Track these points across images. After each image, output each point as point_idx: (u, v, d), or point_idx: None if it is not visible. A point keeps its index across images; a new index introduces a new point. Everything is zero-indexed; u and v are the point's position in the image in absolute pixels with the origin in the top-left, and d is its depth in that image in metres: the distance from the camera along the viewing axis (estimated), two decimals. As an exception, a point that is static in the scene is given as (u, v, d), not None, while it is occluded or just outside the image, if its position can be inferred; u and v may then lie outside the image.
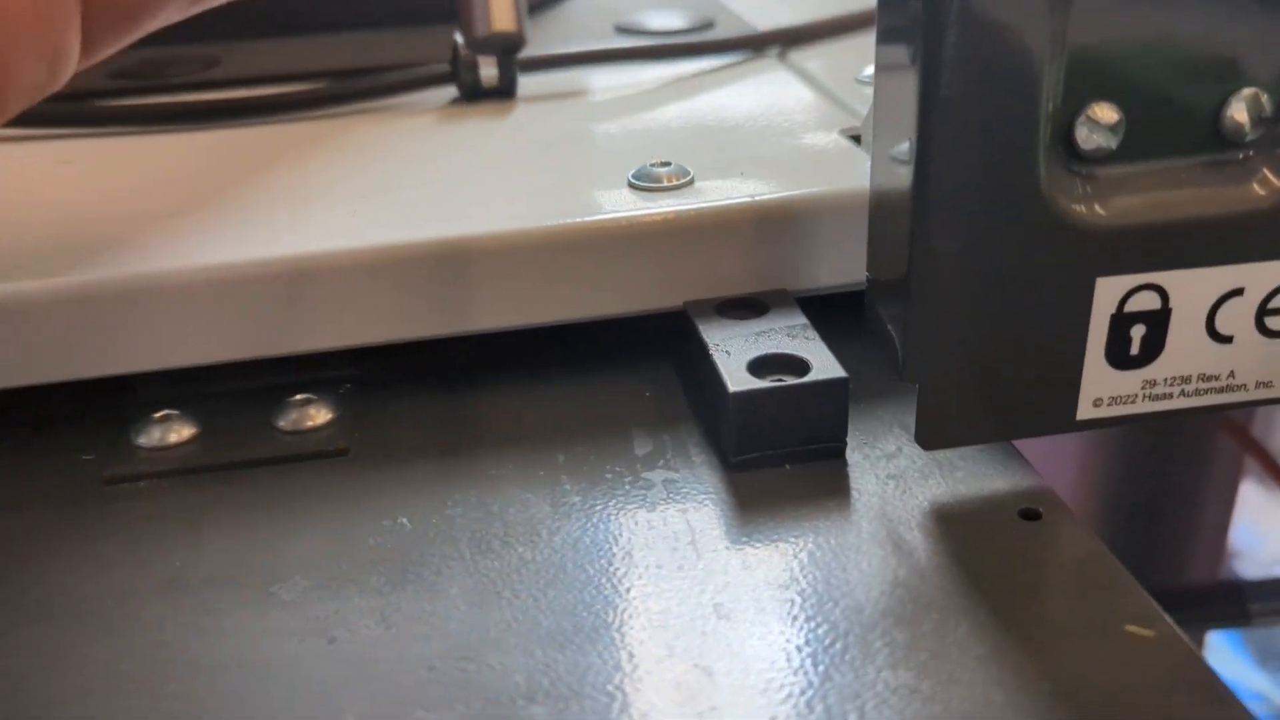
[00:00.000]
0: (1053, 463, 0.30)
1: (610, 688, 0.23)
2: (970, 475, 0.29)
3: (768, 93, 0.45)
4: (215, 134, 0.44)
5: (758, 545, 0.27)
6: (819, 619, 0.25)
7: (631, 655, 0.24)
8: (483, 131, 0.43)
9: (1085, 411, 0.29)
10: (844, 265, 0.34)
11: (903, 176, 0.27)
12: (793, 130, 0.40)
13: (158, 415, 0.33)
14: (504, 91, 0.46)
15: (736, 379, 0.29)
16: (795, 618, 0.25)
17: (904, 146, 0.26)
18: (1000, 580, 0.26)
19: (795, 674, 0.23)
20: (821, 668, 0.24)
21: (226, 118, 0.46)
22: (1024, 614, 0.25)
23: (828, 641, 0.24)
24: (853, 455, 0.30)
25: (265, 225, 0.35)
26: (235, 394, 0.35)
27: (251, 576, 0.27)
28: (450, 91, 0.47)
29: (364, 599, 0.26)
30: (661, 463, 0.31)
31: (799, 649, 0.24)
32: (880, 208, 0.29)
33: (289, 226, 0.34)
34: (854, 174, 0.35)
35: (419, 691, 0.24)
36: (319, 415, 0.34)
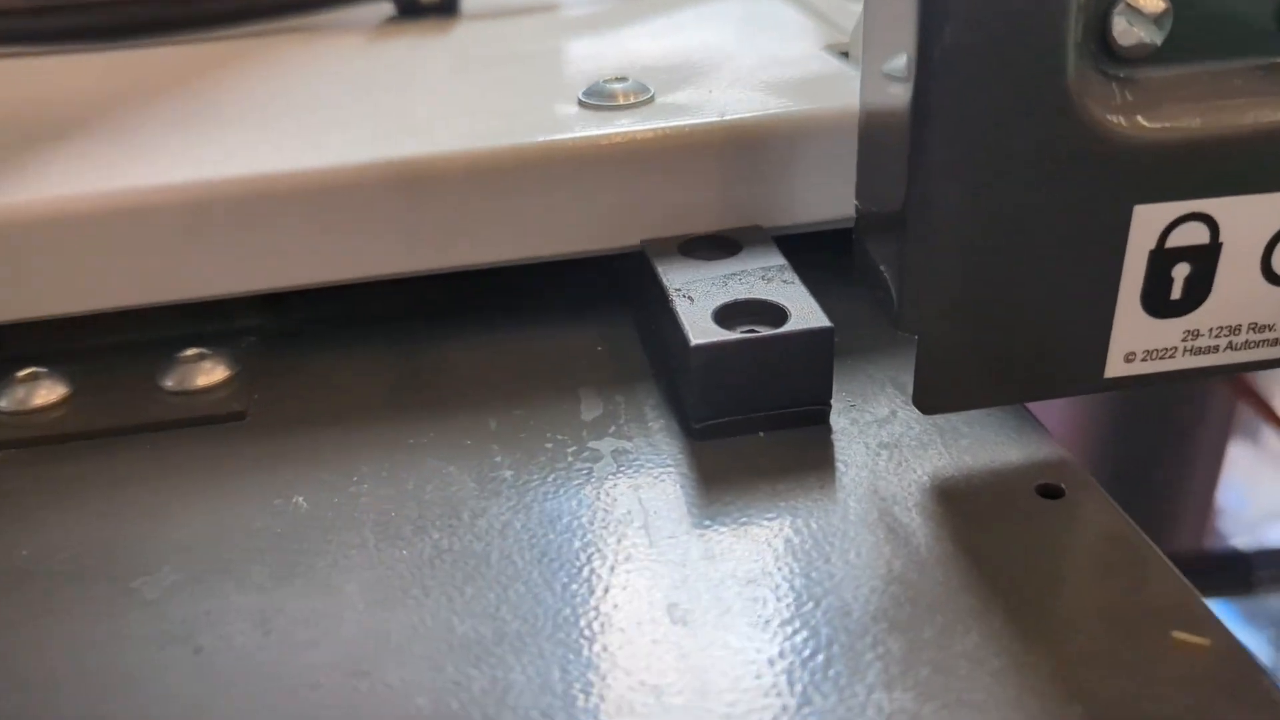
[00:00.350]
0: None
1: (535, 713, 0.19)
2: (978, 444, 0.25)
3: (744, 8, 0.40)
4: (123, 54, 0.39)
5: (723, 530, 0.23)
6: (796, 624, 0.20)
7: (564, 670, 0.20)
8: (418, 50, 0.37)
9: (1115, 368, 0.24)
10: (829, 198, 0.29)
11: (898, 94, 0.22)
12: (771, 45, 0.35)
13: (22, 374, 0.28)
14: (445, 7, 0.41)
15: (699, 329, 0.25)
16: (767, 622, 0.20)
17: (900, 61, 0.21)
18: (1017, 574, 0.21)
19: (765, 695, 0.19)
20: (799, 687, 0.19)
21: (133, 35, 0.40)
22: (1048, 618, 0.20)
23: (806, 653, 0.20)
24: (838, 420, 0.26)
25: (158, 150, 0.30)
26: (116, 348, 0.30)
27: (111, 568, 0.23)
28: (386, 8, 0.41)
29: (242, 596, 0.22)
30: (612, 429, 0.26)
31: (771, 663, 0.19)
32: (873, 128, 0.24)
33: (186, 152, 0.29)
34: (841, 92, 0.30)
35: (297, 716, 0.19)
36: (213, 373, 0.29)
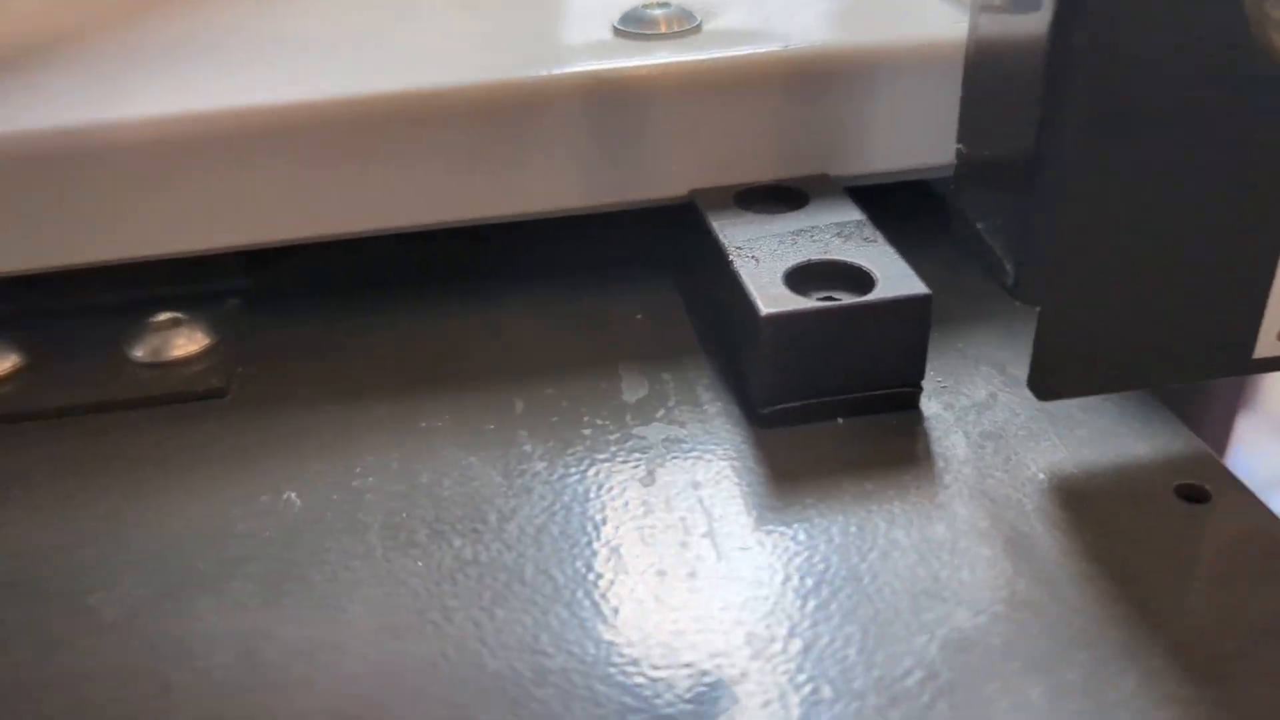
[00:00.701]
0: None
1: (590, 778, 0.15)
2: (1099, 435, 0.21)
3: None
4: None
5: (803, 539, 0.19)
6: (907, 662, 0.16)
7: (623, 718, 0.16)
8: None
9: (1267, 347, 0.20)
10: (911, 143, 0.25)
11: (1028, 23, 0.18)
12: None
13: (-35, 340, 0.24)
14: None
15: (769, 296, 0.21)
16: (870, 659, 0.16)
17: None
18: (1170, 597, 0.17)
19: (879, 757, 0.15)
20: (919, 747, 0.15)
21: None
22: (1217, 655, 0.16)
23: (925, 699, 0.16)
24: (928, 404, 0.22)
25: (129, 82, 0.25)
26: (79, 311, 0.26)
27: (64, 579, 0.19)
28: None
29: (222, 618, 0.18)
30: (661, 413, 0.22)
31: (881, 712, 0.16)
32: (988, 60, 0.20)
33: (161, 83, 0.25)
34: (923, 19, 0.26)
35: (290, 781, 0.15)
36: (191, 341, 0.25)
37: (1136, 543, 0.18)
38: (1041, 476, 0.20)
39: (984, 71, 0.20)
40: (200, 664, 0.17)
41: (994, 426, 0.21)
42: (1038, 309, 0.19)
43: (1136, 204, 0.18)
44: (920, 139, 0.25)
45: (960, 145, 0.21)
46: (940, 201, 0.29)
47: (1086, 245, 0.19)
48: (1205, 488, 0.19)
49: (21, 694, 0.17)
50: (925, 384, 0.22)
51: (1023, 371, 0.22)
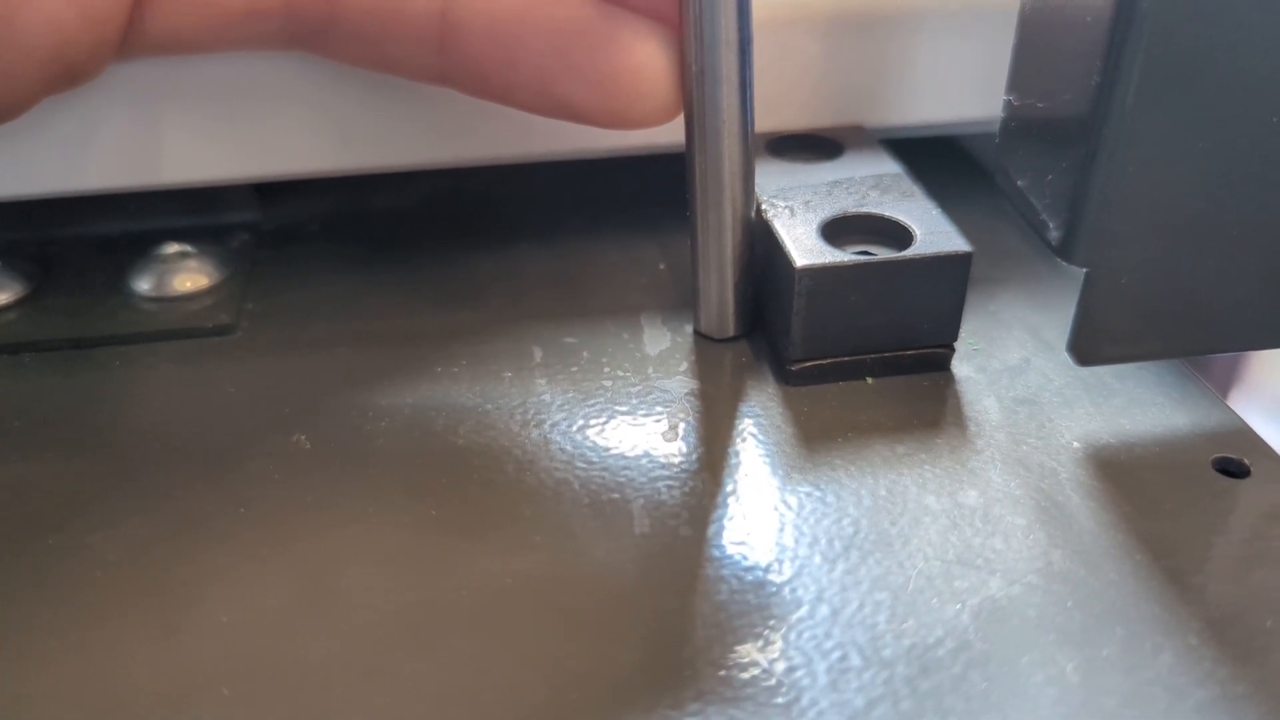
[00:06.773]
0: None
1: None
2: (1134, 405, 0.20)
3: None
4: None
5: (831, 501, 0.18)
6: (939, 631, 0.16)
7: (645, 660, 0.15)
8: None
9: (1316, 319, 0.19)
10: (952, 95, 0.24)
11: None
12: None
13: (-35, 266, 0.24)
14: None
15: (804, 248, 0.20)
16: (901, 626, 0.16)
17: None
18: (1209, 574, 0.17)
19: (910, 728, 0.15)
20: None
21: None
22: (1256, 634, 0.16)
23: (956, 670, 0.15)
24: (960, 366, 0.21)
25: None
26: (83, 241, 0.25)
27: (63, 516, 0.18)
28: None
29: (228, 561, 0.17)
30: (684, 367, 0.21)
31: (911, 683, 0.15)
32: (1047, 6, 0.19)
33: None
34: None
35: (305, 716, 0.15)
36: (198, 276, 0.24)
37: (1174, 516, 0.18)
38: (1076, 445, 0.19)
39: (1041, 18, 0.19)
40: (207, 607, 0.16)
41: (1028, 392, 0.21)
42: (1083, 271, 0.18)
43: (1191, 166, 0.18)
44: (968, 91, 0.24)
45: (1009, 96, 0.20)
46: (969, 160, 0.29)
47: (1138, 206, 0.18)
48: (1244, 462, 0.19)
49: (19, 633, 0.16)
50: (957, 346, 0.21)
51: (1056, 336, 0.22)
